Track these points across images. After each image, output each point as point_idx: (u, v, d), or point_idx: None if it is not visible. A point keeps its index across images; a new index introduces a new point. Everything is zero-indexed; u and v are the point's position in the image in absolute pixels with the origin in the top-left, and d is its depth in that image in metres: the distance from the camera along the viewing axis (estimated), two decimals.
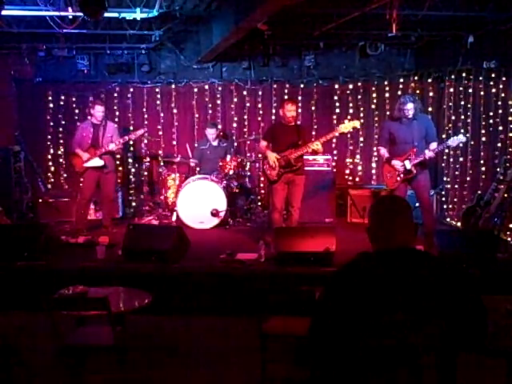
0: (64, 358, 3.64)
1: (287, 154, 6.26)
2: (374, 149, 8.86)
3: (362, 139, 8.86)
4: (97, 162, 7.00)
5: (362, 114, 8.90)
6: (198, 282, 5.40)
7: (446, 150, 8.03)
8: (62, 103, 8.71)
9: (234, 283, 5.35)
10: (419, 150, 5.94)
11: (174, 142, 8.91)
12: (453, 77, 7.86)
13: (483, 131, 7.35)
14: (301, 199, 6.41)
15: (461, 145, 7.64)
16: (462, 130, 7.69)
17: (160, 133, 8.84)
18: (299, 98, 8.78)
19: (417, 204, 6.36)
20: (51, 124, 8.74)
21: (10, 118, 8.53)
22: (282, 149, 6.31)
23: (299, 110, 8.74)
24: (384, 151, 6.25)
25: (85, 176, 7.07)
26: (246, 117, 8.95)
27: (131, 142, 8.62)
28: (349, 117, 8.83)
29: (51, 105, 8.70)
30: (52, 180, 8.84)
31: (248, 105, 8.91)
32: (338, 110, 8.91)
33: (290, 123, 6.36)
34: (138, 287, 4.29)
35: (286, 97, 8.76)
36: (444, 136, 8.06)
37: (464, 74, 7.63)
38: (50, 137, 8.77)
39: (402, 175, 6.02)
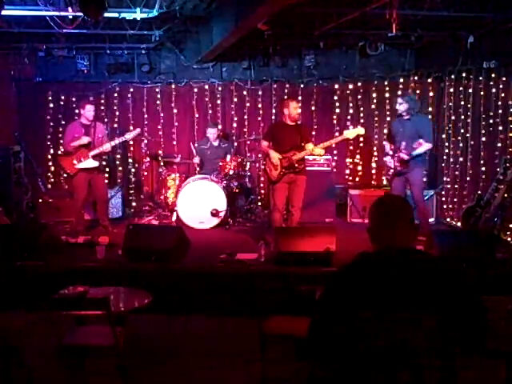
0: (64, 358, 3.64)
1: (290, 155, 6.27)
2: (375, 148, 8.87)
3: (361, 139, 8.85)
4: (91, 163, 6.95)
5: (361, 114, 8.90)
6: (198, 282, 5.40)
7: (446, 150, 8.04)
8: (61, 103, 8.71)
9: (234, 283, 5.35)
10: (407, 149, 6.22)
11: (174, 142, 8.91)
12: (453, 77, 7.86)
13: (483, 131, 7.34)
14: (302, 199, 6.42)
15: (460, 144, 7.70)
16: (462, 130, 7.69)
17: (160, 133, 8.84)
18: (299, 98, 8.77)
19: None
20: (51, 124, 8.73)
21: (10, 117, 8.53)
22: (284, 149, 6.31)
23: (299, 110, 8.74)
24: (386, 147, 6.67)
25: (76, 178, 6.99)
26: (246, 117, 8.94)
27: (131, 142, 8.62)
28: (349, 117, 8.86)
29: (51, 105, 8.69)
30: (52, 180, 8.84)
31: (248, 105, 8.91)
32: (338, 110, 8.91)
33: (294, 122, 6.37)
34: (138, 287, 4.29)
35: (285, 97, 8.76)
36: (444, 136, 8.07)
37: (464, 74, 7.63)
38: (49, 137, 8.77)
39: (391, 171, 6.46)
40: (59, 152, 8.47)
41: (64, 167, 7.10)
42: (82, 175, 6.98)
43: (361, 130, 6.53)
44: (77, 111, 8.52)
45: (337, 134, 8.70)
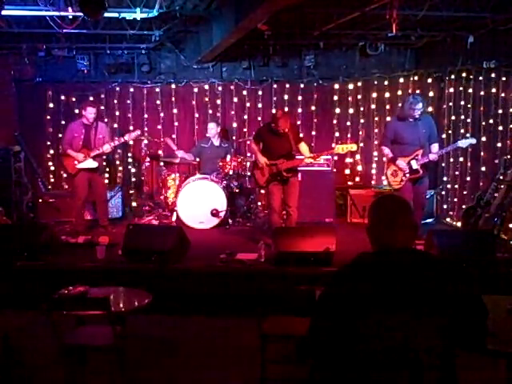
0: (64, 358, 3.64)
1: (279, 163, 6.23)
2: (374, 148, 8.87)
3: (361, 139, 8.86)
4: (90, 163, 7.00)
5: (361, 114, 8.90)
6: (198, 282, 5.40)
7: None
8: (62, 103, 8.71)
9: (234, 283, 5.35)
10: (425, 151, 6.04)
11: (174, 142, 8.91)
12: (453, 77, 7.86)
13: (483, 131, 7.34)
14: (297, 198, 6.40)
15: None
16: (462, 130, 7.68)
17: (160, 133, 8.84)
18: (299, 98, 8.78)
19: None
20: (51, 124, 8.74)
21: (10, 118, 8.53)
22: (273, 158, 6.27)
23: (299, 110, 8.78)
24: (388, 151, 6.39)
25: (77, 178, 7.05)
26: (245, 117, 8.94)
27: (131, 142, 8.62)
28: (349, 117, 8.87)
29: (51, 105, 8.69)
30: (52, 180, 8.84)
31: (248, 105, 8.91)
32: (338, 110, 8.91)
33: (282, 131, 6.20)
34: (138, 287, 4.29)
35: (286, 96, 8.78)
36: (444, 136, 8.06)
37: (464, 74, 7.63)
38: (50, 137, 8.77)
39: (407, 175, 6.15)
40: (60, 151, 8.48)
41: (66, 166, 7.15)
42: (83, 175, 7.01)
43: (353, 147, 6.41)
44: (77, 111, 8.55)
45: (337, 133, 8.78)
